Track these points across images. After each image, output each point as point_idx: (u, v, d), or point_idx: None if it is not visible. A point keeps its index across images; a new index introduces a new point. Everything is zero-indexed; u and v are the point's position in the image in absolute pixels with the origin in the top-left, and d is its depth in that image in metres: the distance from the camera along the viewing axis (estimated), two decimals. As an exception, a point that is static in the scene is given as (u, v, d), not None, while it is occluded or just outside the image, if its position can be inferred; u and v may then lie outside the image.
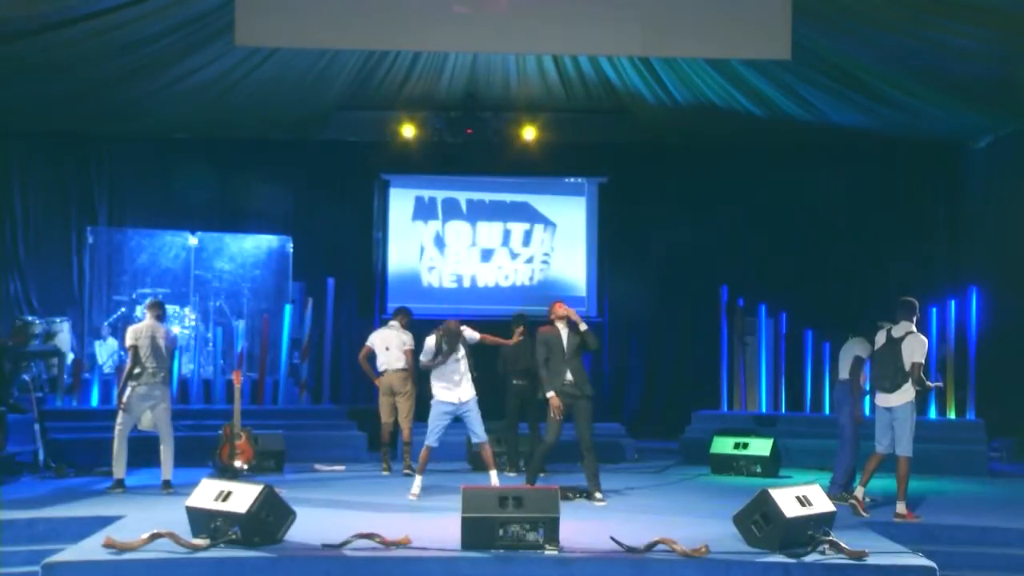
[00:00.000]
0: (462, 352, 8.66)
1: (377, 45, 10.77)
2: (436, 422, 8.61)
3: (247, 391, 11.76)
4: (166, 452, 8.87)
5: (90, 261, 13.27)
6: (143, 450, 9.38)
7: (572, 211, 14.37)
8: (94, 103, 11.98)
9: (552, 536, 6.36)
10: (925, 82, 10.95)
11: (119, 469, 8.72)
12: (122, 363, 12.20)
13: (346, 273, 13.68)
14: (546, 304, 8.75)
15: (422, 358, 8.74)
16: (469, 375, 8.70)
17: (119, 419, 8.71)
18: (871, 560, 6.23)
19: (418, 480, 8.65)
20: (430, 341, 8.65)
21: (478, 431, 8.71)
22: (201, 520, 6.49)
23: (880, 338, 8.30)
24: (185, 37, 10.34)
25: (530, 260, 14.29)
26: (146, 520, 7.00)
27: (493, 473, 8.68)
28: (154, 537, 6.31)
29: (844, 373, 8.96)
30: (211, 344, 12.77)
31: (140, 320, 10.09)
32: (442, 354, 8.55)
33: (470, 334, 8.82)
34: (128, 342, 8.83)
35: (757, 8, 9.55)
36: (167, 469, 8.84)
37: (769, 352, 12.46)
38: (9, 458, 9.57)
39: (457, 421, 8.76)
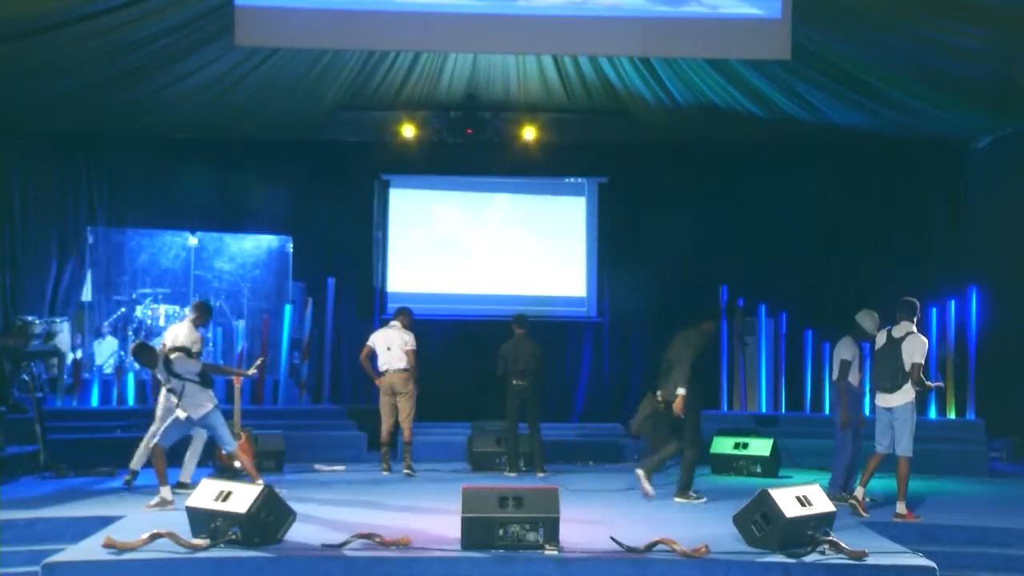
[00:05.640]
0: (172, 379, 8.17)
1: (377, 45, 10.74)
2: (167, 425, 8.25)
3: (247, 391, 11.76)
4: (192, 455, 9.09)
5: (90, 261, 13.25)
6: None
7: (572, 211, 14.34)
8: (94, 103, 11.96)
9: (552, 536, 6.37)
10: (925, 82, 10.94)
11: (137, 463, 9.04)
12: (122, 363, 12.25)
13: (346, 273, 13.66)
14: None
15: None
16: (201, 393, 8.27)
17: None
18: (871, 560, 6.25)
19: (164, 489, 8.00)
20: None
21: (224, 441, 8.46)
22: (201, 520, 6.50)
23: (880, 338, 8.30)
24: (185, 37, 10.33)
25: (530, 260, 14.26)
26: (146, 520, 7.02)
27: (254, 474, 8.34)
28: (154, 537, 6.32)
29: (835, 375, 8.97)
30: (211, 344, 12.76)
31: (178, 321, 10.24)
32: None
33: (183, 366, 8.23)
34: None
35: (757, 8, 9.55)
36: (188, 471, 9.00)
37: (769, 352, 12.46)
38: (9, 458, 9.58)
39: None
